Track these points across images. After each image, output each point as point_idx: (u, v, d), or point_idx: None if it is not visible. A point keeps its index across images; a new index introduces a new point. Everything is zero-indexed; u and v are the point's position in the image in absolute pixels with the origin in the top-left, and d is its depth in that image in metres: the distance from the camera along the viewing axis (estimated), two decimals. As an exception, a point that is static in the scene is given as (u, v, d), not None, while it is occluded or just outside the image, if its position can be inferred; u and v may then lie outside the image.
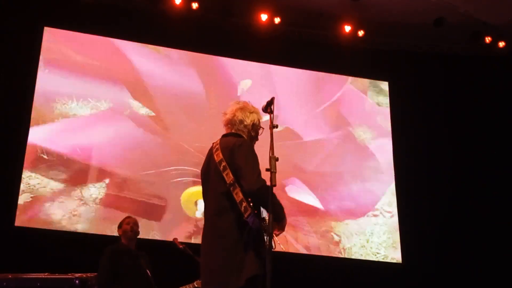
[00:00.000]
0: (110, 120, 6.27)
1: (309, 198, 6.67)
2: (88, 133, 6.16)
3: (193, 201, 6.18)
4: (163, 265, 5.05)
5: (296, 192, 6.63)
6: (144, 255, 4.87)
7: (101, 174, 6.06)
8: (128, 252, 4.77)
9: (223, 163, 2.96)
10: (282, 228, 3.00)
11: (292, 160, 6.70)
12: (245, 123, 3.17)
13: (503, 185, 6.95)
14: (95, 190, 5.96)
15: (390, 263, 6.66)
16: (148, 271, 4.73)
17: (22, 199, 5.71)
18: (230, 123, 3.19)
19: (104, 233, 5.83)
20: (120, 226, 4.94)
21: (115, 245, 4.84)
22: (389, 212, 6.83)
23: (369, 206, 6.81)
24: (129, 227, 4.84)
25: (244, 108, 3.21)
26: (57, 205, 5.80)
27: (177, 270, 5.07)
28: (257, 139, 3.23)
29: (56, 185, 5.86)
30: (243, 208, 2.84)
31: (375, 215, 6.78)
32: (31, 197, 5.74)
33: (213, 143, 3.18)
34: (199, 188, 3.28)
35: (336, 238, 6.58)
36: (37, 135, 5.94)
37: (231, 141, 3.05)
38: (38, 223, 5.70)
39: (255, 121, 3.20)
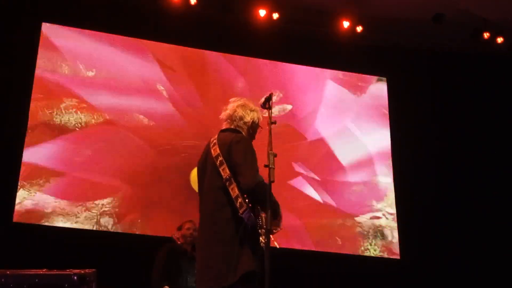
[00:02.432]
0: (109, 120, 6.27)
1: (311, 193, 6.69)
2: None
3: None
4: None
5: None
6: None
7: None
8: (184, 253, 4.88)
9: (220, 158, 2.97)
10: (278, 225, 3.00)
11: (291, 160, 6.70)
12: (245, 120, 3.17)
13: (502, 183, 6.97)
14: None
15: (388, 259, 6.66)
16: None
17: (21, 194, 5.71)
18: (229, 118, 3.19)
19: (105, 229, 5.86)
20: (180, 229, 5.03)
21: (174, 244, 4.95)
22: (392, 214, 6.83)
23: (369, 206, 6.81)
24: (189, 232, 4.94)
25: (245, 105, 3.21)
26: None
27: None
28: (254, 138, 3.23)
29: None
30: (238, 204, 2.84)
31: (377, 217, 6.78)
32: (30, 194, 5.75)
33: (211, 138, 3.18)
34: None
35: (339, 241, 6.60)
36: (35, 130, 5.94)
37: (229, 136, 3.06)
38: (36, 219, 5.69)
39: (255, 119, 3.21)
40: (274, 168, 2.79)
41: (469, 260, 6.60)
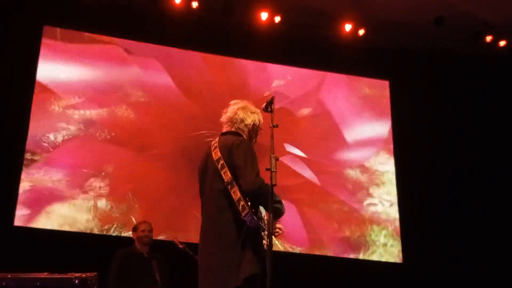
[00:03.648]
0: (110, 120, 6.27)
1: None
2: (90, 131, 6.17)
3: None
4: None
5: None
6: (158, 258, 4.91)
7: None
8: (140, 256, 4.85)
9: (221, 162, 2.95)
10: (279, 227, 3.01)
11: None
12: (246, 122, 3.16)
13: (503, 184, 6.96)
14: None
15: (390, 263, 6.65)
16: (157, 277, 4.75)
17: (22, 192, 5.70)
18: (230, 121, 3.18)
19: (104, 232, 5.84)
20: (135, 230, 5.00)
21: (128, 248, 4.93)
22: (388, 201, 6.85)
23: (365, 192, 6.86)
24: (143, 234, 4.92)
25: (246, 107, 3.20)
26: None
27: (177, 270, 5.07)
28: (256, 141, 3.22)
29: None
30: (240, 207, 2.83)
31: (374, 204, 6.80)
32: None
33: (211, 142, 3.17)
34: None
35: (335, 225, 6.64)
36: (37, 131, 5.93)
37: (229, 139, 3.04)
38: (37, 223, 5.69)
39: (256, 121, 3.20)
40: (276, 172, 2.78)
41: (470, 261, 6.58)
